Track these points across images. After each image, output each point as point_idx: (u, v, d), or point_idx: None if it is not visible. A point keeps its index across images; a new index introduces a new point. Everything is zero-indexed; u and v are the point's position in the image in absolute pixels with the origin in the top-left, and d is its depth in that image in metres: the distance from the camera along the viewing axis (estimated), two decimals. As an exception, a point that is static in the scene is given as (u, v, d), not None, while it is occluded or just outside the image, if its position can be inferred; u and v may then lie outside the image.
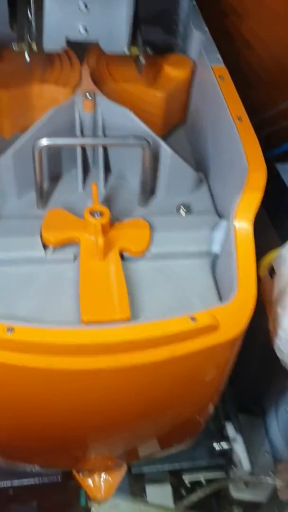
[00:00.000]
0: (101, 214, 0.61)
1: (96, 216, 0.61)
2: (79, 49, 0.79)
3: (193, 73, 0.83)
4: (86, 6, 0.66)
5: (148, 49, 0.73)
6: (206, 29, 0.83)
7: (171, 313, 0.57)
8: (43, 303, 0.60)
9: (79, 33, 0.69)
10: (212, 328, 0.55)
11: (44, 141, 0.61)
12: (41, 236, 0.62)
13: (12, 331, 0.52)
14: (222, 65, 0.76)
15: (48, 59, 0.79)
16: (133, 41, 0.72)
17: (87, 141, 0.69)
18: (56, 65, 0.78)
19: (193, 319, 0.54)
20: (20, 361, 0.53)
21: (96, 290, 0.59)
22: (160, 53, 0.84)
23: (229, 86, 0.73)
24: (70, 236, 0.62)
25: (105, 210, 0.61)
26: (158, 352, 0.55)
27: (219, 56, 0.78)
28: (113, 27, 0.69)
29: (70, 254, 0.63)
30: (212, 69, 0.75)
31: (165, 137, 0.82)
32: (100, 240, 0.59)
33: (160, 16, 0.90)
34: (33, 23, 0.68)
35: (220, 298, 0.65)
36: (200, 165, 0.80)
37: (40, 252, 0.62)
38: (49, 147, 0.62)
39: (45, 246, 0.63)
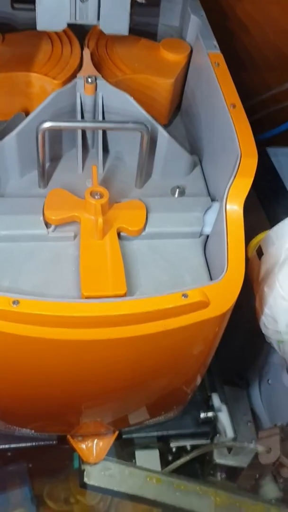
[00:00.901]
0: (101, 195, 0.64)
1: (96, 197, 0.64)
2: (80, 31, 0.81)
3: (189, 57, 0.85)
4: None
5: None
6: (203, 14, 0.85)
7: (165, 289, 0.61)
8: (45, 278, 0.64)
9: (78, 14, 0.71)
10: (202, 304, 0.59)
11: (48, 124, 0.64)
12: (43, 215, 0.66)
13: (18, 304, 0.55)
14: (218, 52, 0.78)
15: (49, 40, 0.81)
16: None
17: (89, 124, 0.72)
18: (56, 47, 0.80)
19: (185, 295, 0.58)
20: (24, 331, 0.57)
21: (95, 267, 0.62)
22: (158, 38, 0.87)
23: (224, 73, 0.76)
24: (71, 215, 0.66)
25: (105, 192, 0.65)
26: (151, 325, 0.59)
27: (215, 43, 0.80)
28: (113, 8, 0.71)
29: (71, 233, 0.67)
30: (208, 55, 0.78)
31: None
32: (100, 220, 0.63)
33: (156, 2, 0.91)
34: None
35: (210, 276, 0.69)
36: (194, 149, 0.83)
37: (42, 230, 0.66)
38: (52, 129, 0.65)
39: (47, 224, 0.66)
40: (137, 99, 0.72)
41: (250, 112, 1.26)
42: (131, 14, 0.73)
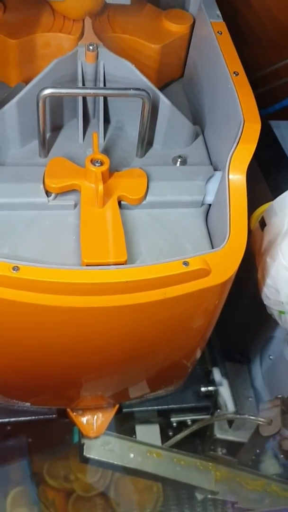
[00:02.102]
0: (102, 162, 0.63)
1: (96, 165, 0.63)
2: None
3: (192, 28, 0.84)
4: None
5: None
6: None
7: (165, 257, 0.61)
8: (45, 246, 0.63)
9: None
10: (203, 272, 0.59)
11: (49, 90, 0.63)
12: (43, 183, 0.65)
13: (18, 270, 0.55)
14: (221, 20, 0.78)
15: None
16: None
17: (90, 91, 0.70)
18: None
19: (185, 263, 0.58)
20: (23, 298, 0.56)
21: (96, 235, 0.62)
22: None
23: (227, 41, 0.75)
24: (71, 183, 0.65)
25: (105, 159, 0.64)
26: (152, 293, 0.59)
27: (218, 12, 0.79)
28: None
29: (71, 201, 0.66)
30: (211, 24, 0.77)
31: (163, 91, 0.84)
32: (100, 188, 0.62)
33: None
34: None
35: (212, 245, 0.68)
36: (196, 119, 0.82)
37: (43, 198, 0.65)
38: (52, 96, 0.64)
39: (47, 193, 0.65)
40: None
41: (252, 87, 1.25)
42: None
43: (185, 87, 0.89)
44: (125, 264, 0.61)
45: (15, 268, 0.55)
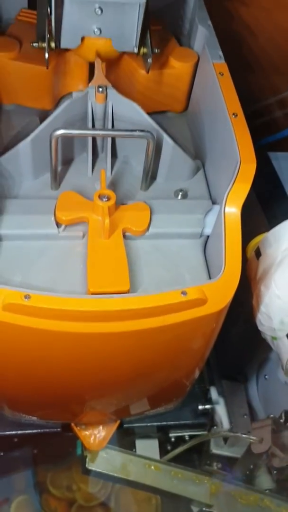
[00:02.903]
0: (108, 198, 0.69)
1: (104, 200, 0.68)
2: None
3: (196, 65, 0.89)
4: (101, 10, 0.73)
5: (156, 50, 0.79)
6: (210, 24, 0.89)
7: (165, 286, 0.66)
8: (55, 274, 0.68)
9: (93, 33, 0.76)
10: (200, 301, 0.64)
11: (61, 131, 0.68)
12: (54, 215, 0.70)
13: (29, 298, 0.60)
14: (222, 62, 0.82)
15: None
16: (142, 41, 0.78)
17: (99, 132, 0.76)
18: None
19: (184, 293, 0.63)
20: (34, 324, 0.61)
21: (101, 265, 0.67)
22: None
23: (228, 83, 0.80)
24: (80, 216, 0.70)
25: (112, 195, 0.69)
26: (152, 320, 0.64)
27: (220, 53, 0.84)
28: (125, 29, 0.76)
29: (80, 232, 0.71)
30: (213, 65, 0.82)
31: (168, 124, 0.90)
32: (107, 221, 0.67)
33: (166, 9, 0.95)
34: (53, 24, 0.74)
35: (209, 274, 0.73)
36: (198, 152, 0.87)
37: (54, 229, 0.70)
38: (64, 136, 0.69)
39: (57, 224, 0.70)
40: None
41: (256, 115, 1.30)
42: (148, 36, 0.79)
43: (189, 121, 0.94)
44: (128, 292, 0.66)
45: (27, 297, 0.60)
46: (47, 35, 0.76)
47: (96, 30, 0.76)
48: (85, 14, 0.74)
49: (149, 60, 0.79)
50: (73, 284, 0.68)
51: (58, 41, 0.77)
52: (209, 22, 0.89)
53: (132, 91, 0.87)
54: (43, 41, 0.77)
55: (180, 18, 0.96)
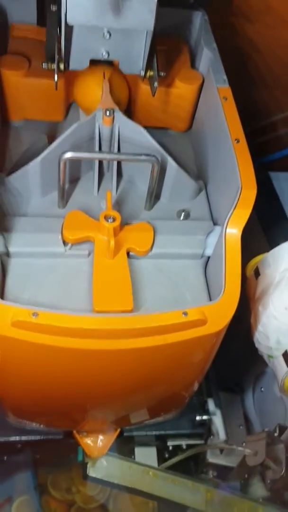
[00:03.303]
0: (114, 219, 0.71)
1: (109, 221, 0.71)
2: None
3: (201, 87, 0.92)
4: (110, 35, 0.76)
5: (162, 73, 0.82)
6: (215, 47, 0.91)
7: (167, 306, 0.69)
8: (61, 291, 0.71)
9: (101, 55, 0.78)
10: (200, 322, 0.66)
11: (69, 154, 0.71)
12: (61, 234, 0.73)
13: (37, 316, 0.63)
14: (227, 86, 0.85)
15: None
16: (149, 64, 0.81)
17: (105, 156, 0.79)
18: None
19: (185, 313, 0.66)
20: (41, 340, 0.64)
21: (106, 285, 0.69)
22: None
23: (231, 107, 0.82)
24: (86, 235, 0.73)
25: (117, 216, 0.72)
26: (154, 339, 0.66)
27: (225, 77, 0.86)
28: (132, 52, 0.79)
29: (85, 251, 0.74)
30: (218, 89, 0.84)
31: (171, 142, 0.93)
32: (112, 242, 0.70)
33: (172, 30, 0.98)
34: (62, 47, 0.77)
35: (210, 294, 0.76)
36: (200, 173, 0.90)
37: (60, 248, 0.73)
38: (72, 159, 0.72)
39: (64, 243, 0.73)
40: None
41: (259, 132, 1.32)
42: (155, 60, 0.81)
43: (192, 140, 0.96)
44: (131, 312, 0.68)
45: (35, 314, 0.63)
46: (57, 57, 0.79)
47: (104, 53, 0.79)
48: (94, 38, 0.77)
49: (155, 84, 0.81)
50: (78, 302, 0.71)
51: (67, 62, 0.80)
52: (215, 45, 0.91)
53: (134, 105, 0.91)
54: (52, 62, 0.80)
55: (186, 39, 0.98)
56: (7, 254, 0.72)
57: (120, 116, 0.77)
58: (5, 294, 0.70)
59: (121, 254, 0.73)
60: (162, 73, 0.83)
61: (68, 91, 0.89)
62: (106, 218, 0.72)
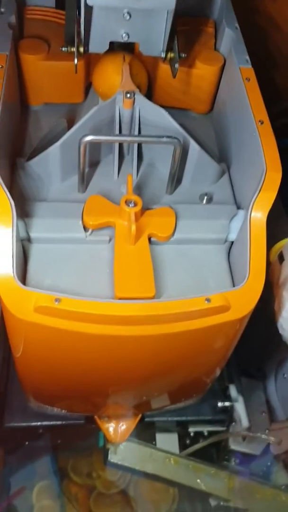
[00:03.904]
0: (135, 203, 0.70)
1: (130, 205, 0.70)
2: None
3: (222, 68, 0.90)
4: (130, 16, 0.74)
5: (182, 54, 0.80)
6: (237, 26, 0.89)
7: (190, 292, 0.68)
8: (82, 277, 0.71)
9: (121, 37, 0.77)
10: (224, 308, 0.65)
11: (90, 137, 0.69)
12: (82, 220, 0.72)
13: (59, 302, 0.62)
14: (249, 66, 0.83)
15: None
16: (169, 46, 0.79)
17: (126, 138, 0.77)
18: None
19: (208, 300, 0.65)
20: (63, 325, 0.64)
21: (128, 271, 0.68)
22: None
23: (254, 88, 0.80)
24: (107, 221, 0.72)
25: (138, 200, 0.70)
26: (176, 325, 0.66)
27: (247, 57, 0.84)
28: (152, 34, 0.77)
29: (106, 237, 0.73)
30: (240, 70, 0.82)
31: (192, 124, 0.91)
32: (133, 227, 0.69)
33: (194, 10, 0.96)
34: (82, 29, 0.75)
35: (233, 280, 0.75)
36: (223, 155, 0.88)
37: (81, 233, 0.72)
38: (93, 142, 0.71)
39: (85, 228, 0.72)
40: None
41: (282, 114, 1.29)
42: (175, 41, 0.79)
43: (214, 122, 0.94)
44: (153, 298, 0.67)
45: (57, 300, 0.62)
46: (76, 40, 0.77)
47: (124, 35, 0.77)
48: (113, 19, 0.75)
49: (176, 65, 0.80)
50: (99, 288, 0.70)
51: (86, 45, 0.79)
52: (237, 25, 0.89)
53: (154, 86, 0.89)
54: (72, 45, 0.78)
55: (207, 19, 0.96)
56: (29, 239, 0.72)
57: (140, 98, 0.76)
58: (27, 279, 0.70)
59: (142, 239, 0.72)
60: (183, 55, 0.81)
61: (87, 72, 0.87)
62: (127, 202, 0.70)
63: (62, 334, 0.66)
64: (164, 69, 0.86)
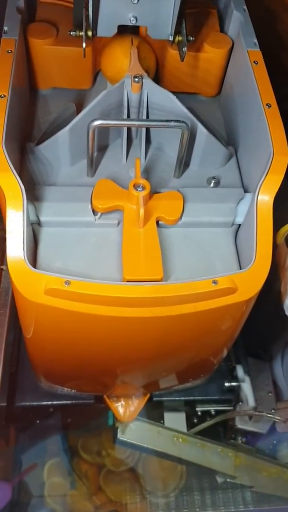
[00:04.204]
0: (143, 187, 0.71)
1: (138, 189, 0.71)
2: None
3: (230, 51, 0.89)
4: None
5: (191, 37, 0.80)
6: (246, 8, 0.88)
7: (197, 275, 0.69)
8: (91, 260, 0.72)
9: (129, 21, 0.77)
10: (230, 290, 0.67)
11: (98, 121, 0.70)
12: (91, 203, 0.73)
13: (69, 284, 0.64)
14: (257, 49, 0.83)
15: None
16: (178, 29, 0.79)
17: (134, 123, 0.78)
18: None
19: (215, 282, 0.66)
20: (73, 307, 0.65)
21: (136, 254, 0.70)
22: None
23: (262, 72, 0.80)
24: (116, 204, 0.73)
25: (147, 184, 0.71)
26: (184, 307, 0.67)
27: (255, 40, 0.84)
28: (160, 17, 0.77)
29: (115, 220, 0.74)
30: (248, 53, 0.82)
31: (200, 108, 0.91)
32: (142, 211, 0.70)
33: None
34: (90, 13, 0.75)
35: (240, 263, 0.76)
36: (230, 138, 0.88)
37: (90, 217, 0.73)
38: (101, 126, 0.72)
39: (94, 212, 0.74)
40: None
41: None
42: (183, 24, 0.79)
43: (221, 105, 0.95)
44: (161, 280, 0.69)
45: (67, 283, 0.64)
46: (85, 24, 0.77)
47: (132, 18, 0.78)
48: (121, 3, 0.75)
49: (184, 49, 0.80)
50: (108, 270, 0.71)
51: (95, 29, 0.79)
52: (245, 7, 0.88)
53: (162, 70, 0.89)
54: (80, 29, 0.79)
55: (215, 2, 0.96)
56: (39, 223, 0.73)
57: (148, 82, 0.76)
58: (38, 262, 0.71)
59: (150, 223, 0.73)
60: (191, 38, 0.81)
61: (95, 58, 0.88)
62: (135, 186, 0.71)
63: (71, 316, 0.67)
64: (172, 53, 0.86)
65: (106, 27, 0.78)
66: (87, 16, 0.76)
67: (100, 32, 0.79)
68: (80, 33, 0.78)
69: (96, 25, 0.78)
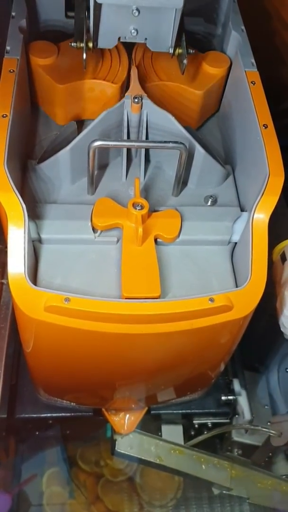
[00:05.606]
0: (142, 206, 0.73)
1: (137, 208, 0.73)
2: (128, 45, 0.88)
3: (229, 70, 0.91)
4: (138, 12, 0.75)
5: (190, 50, 0.82)
6: (244, 29, 0.90)
7: (194, 292, 0.71)
8: (91, 277, 0.73)
9: (130, 34, 0.78)
10: (227, 308, 0.68)
11: (98, 142, 0.72)
12: (91, 221, 0.75)
13: (69, 301, 0.65)
14: (255, 70, 0.84)
15: (100, 54, 0.89)
16: (178, 42, 0.81)
17: (134, 144, 0.79)
18: (106, 60, 0.88)
19: (211, 299, 0.68)
20: (72, 324, 0.67)
21: (135, 271, 0.71)
22: (200, 49, 0.92)
23: (259, 92, 0.82)
24: (115, 222, 0.74)
25: (145, 203, 0.73)
26: (181, 324, 0.69)
27: (253, 60, 0.85)
28: (161, 30, 0.78)
29: (114, 238, 0.76)
30: (246, 73, 0.84)
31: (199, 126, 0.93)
32: (140, 230, 0.71)
33: (200, 12, 0.97)
34: (91, 25, 0.76)
35: (236, 280, 0.77)
36: (228, 155, 0.90)
37: (90, 234, 0.75)
38: (102, 147, 0.73)
39: (94, 230, 0.75)
40: (171, 104, 0.82)
41: (286, 113, 1.29)
42: (183, 37, 0.80)
43: (220, 122, 0.96)
44: (159, 298, 0.70)
45: (67, 300, 0.66)
46: (85, 36, 0.79)
47: (133, 31, 0.79)
48: (122, 16, 0.76)
49: (185, 61, 0.81)
50: (107, 287, 0.73)
51: (95, 41, 0.80)
52: (243, 27, 0.90)
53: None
54: (81, 41, 0.80)
55: (213, 21, 0.97)
56: (40, 240, 0.75)
57: (148, 103, 0.78)
58: (38, 279, 0.73)
59: (149, 241, 0.74)
60: (192, 51, 0.82)
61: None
62: (134, 205, 0.73)
63: (71, 332, 0.69)
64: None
65: (106, 39, 0.79)
66: (88, 28, 0.78)
67: (101, 44, 0.80)
68: (81, 45, 0.80)
69: (97, 36, 0.79)
